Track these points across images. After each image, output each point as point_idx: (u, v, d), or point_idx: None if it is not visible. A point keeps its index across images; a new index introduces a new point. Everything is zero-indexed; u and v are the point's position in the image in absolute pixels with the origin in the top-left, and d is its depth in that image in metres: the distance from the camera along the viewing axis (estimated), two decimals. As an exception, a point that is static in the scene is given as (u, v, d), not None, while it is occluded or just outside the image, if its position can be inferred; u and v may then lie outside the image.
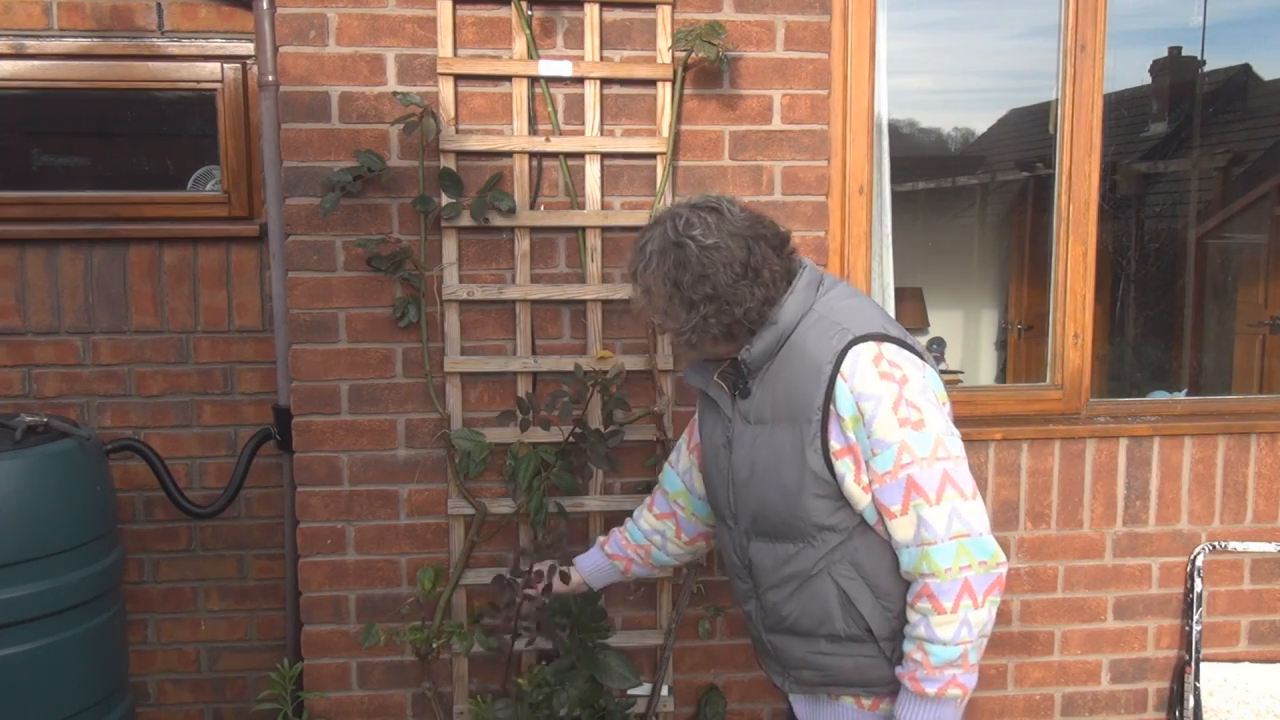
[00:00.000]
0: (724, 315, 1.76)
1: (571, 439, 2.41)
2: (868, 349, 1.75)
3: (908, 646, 1.75)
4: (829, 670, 1.88)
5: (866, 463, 1.74)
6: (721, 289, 1.74)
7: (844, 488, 1.76)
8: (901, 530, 1.73)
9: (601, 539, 2.27)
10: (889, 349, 1.76)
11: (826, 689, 1.93)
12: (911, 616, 1.75)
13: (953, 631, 1.70)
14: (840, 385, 1.74)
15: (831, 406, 1.75)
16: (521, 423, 2.40)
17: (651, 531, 2.19)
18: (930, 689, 1.72)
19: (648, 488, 2.57)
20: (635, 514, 2.25)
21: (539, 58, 2.45)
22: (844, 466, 1.76)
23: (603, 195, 2.51)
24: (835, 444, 1.76)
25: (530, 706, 2.31)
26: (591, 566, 2.24)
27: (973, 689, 1.75)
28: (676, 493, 2.17)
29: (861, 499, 1.76)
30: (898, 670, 1.78)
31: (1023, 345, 4.31)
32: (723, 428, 1.91)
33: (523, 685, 2.36)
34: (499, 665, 2.52)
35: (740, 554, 1.93)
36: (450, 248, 2.47)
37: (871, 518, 1.78)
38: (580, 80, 2.47)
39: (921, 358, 1.81)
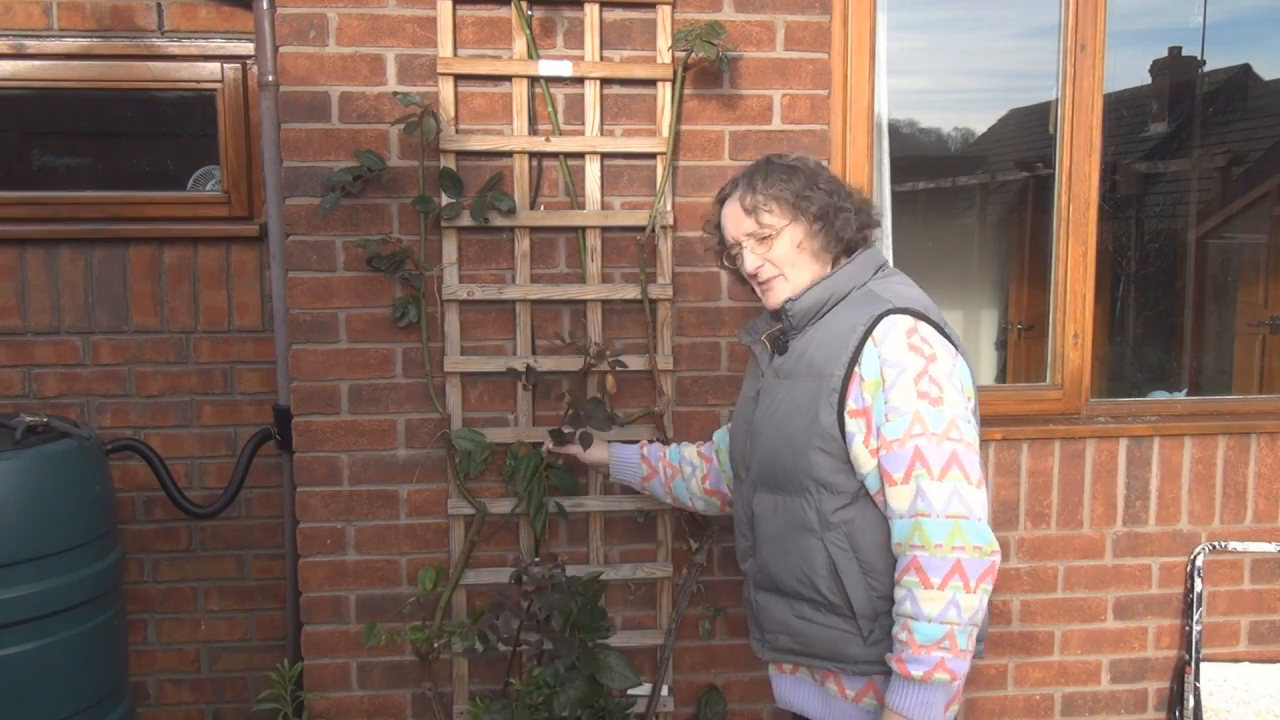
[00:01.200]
0: (835, 203, 1.90)
1: (566, 426, 2.37)
2: (903, 320, 1.80)
3: (895, 628, 1.74)
4: (805, 638, 1.89)
5: (878, 428, 1.76)
6: (831, 184, 1.93)
7: (851, 449, 1.79)
8: (899, 498, 1.73)
9: (643, 441, 2.38)
10: (925, 328, 1.80)
11: (800, 659, 1.93)
12: (898, 593, 1.73)
13: (939, 609, 1.67)
14: (869, 348, 1.78)
15: (856, 368, 1.79)
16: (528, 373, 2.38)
17: (685, 462, 2.28)
18: (916, 671, 1.69)
19: (648, 488, 2.57)
20: (680, 444, 2.35)
21: (539, 58, 2.45)
22: (855, 427, 1.79)
23: (603, 195, 2.51)
24: (852, 404, 1.79)
25: (529, 708, 2.31)
26: (623, 457, 2.34)
27: (963, 676, 1.73)
28: (718, 447, 2.26)
29: (866, 463, 1.79)
30: (887, 656, 1.76)
31: (1023, 345, 4.30)
32: (756, 382, 2.00)
33: (516, 685, 2.36)
34: (499, 666, 2.52)
35: (746, 506, 2.00)
36: (450, 248, 2.47)
37: (873, 486, 1.80)
38: (580, 80, 2.47)
39: (957, 348, 1.84)
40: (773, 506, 1.91)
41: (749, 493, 1.99)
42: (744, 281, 2.04)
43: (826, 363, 1.82)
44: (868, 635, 1.82)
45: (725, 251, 2.02)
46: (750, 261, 1.92)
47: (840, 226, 1.90)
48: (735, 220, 1.94)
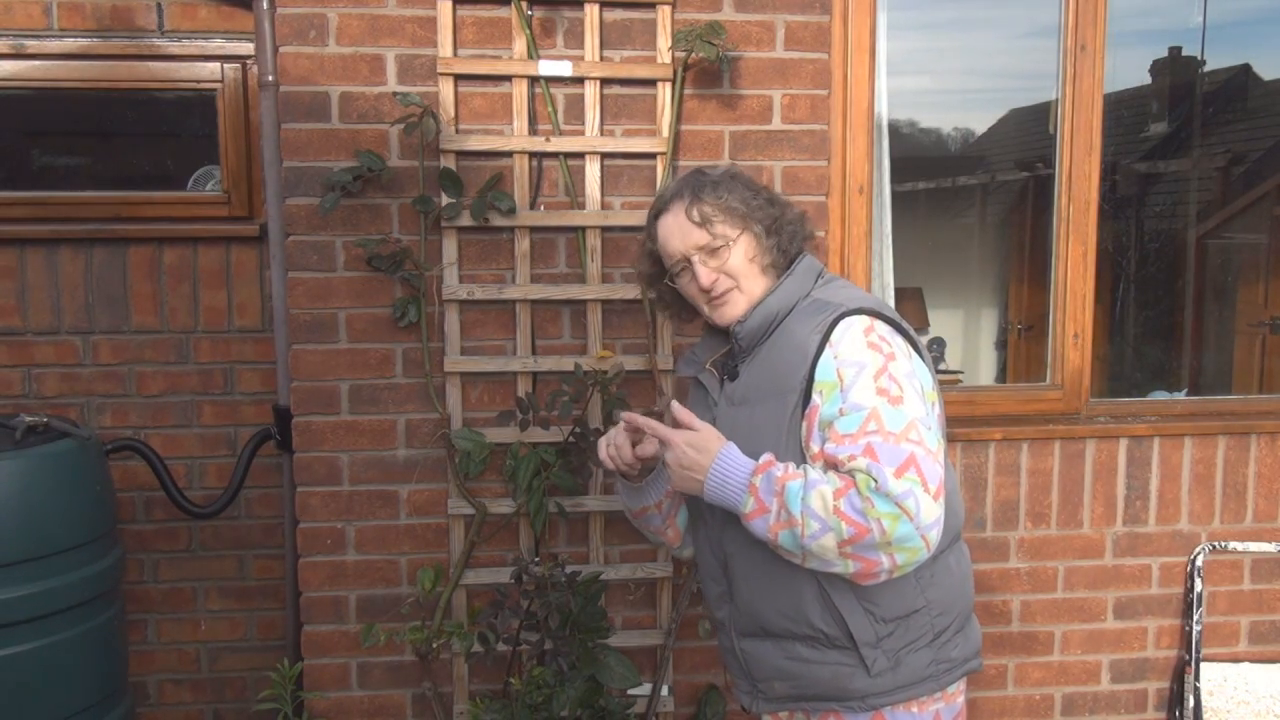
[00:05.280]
0: (778, 214, 1.85)
1: (571, 439, 2.42)
2: (860, 320, 1.70)
3: (793, 468, 1.64)
4: (802, 680, 1.77)
5: (829, 424, 1.64)
6: (769, 194, 1.88)
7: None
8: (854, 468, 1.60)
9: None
10: (881, 326, 1.72)
11: (799, 704, 1.81)
12: (815, 471, 1.62)
13: (816, 519, 1.57)
14: (826, 352, 1.68)
15: (815, 377, 1.69)
16: (521, 422, 2.40)
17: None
18: (771, 520, 1.62)
19: (648, 488, 2.57)
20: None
21: (539, 58, 2.45)
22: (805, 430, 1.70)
23: (603, 195, 2.51)
24: (808, 411, 1.69)
25: (529, 708, 2.31)
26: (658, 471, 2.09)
27: (749, 515, 1.66)
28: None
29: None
30: (767, 459, 1.66)
31: (1023, 345, 4.31)
32: (708, 414, 1.86)
33: (516, 685, 2.36)
34: (499, 666, 2.52)
35: (716, 548, 1.85)
36: (450, 248, 2.47)
37: None
38: (580, 80, 2.47)
39: (915, 347, 1.76)
40: (749, 541, 1.73)
41: (718, 533, 1.82)
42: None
43: (786, 378, 1.72)
44: (872, 665, 1.71)
45: (667, 272, 1.89)
46: (704, 275, 1.79)
47: (785, 240, 1.82)
48: (682, 233, 1.81)
